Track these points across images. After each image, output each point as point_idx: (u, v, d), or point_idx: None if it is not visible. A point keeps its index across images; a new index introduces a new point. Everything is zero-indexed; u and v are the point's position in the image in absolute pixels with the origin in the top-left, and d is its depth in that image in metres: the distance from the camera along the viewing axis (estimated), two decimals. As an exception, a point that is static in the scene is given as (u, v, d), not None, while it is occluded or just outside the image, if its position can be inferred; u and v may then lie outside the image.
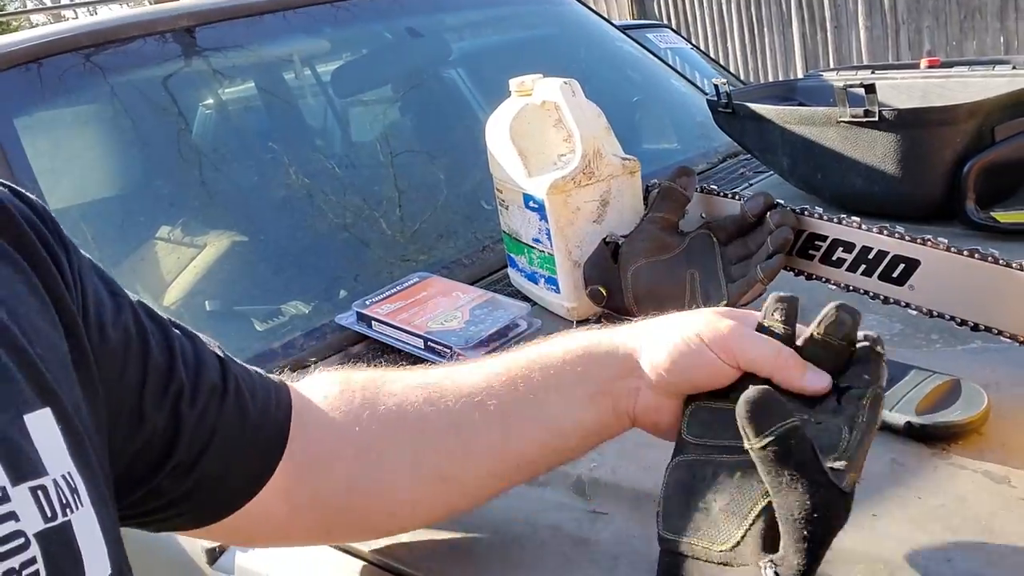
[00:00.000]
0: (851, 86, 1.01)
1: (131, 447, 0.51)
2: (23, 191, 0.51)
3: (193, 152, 1.17)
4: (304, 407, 0.58)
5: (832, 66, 4.53)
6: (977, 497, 0.56)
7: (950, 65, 1.26)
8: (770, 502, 0.44)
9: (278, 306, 1.03)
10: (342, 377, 0.61)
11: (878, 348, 0.49)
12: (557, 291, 0.90)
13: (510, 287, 1.03)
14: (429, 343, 0.86)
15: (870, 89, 0.98)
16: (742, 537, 0.45)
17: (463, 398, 0.56)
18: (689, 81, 1.81)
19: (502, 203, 0.97)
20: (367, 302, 0.95)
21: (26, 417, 0.41)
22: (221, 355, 0.57)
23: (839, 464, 0.45)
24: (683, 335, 0.52)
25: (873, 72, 1.30)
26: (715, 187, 0.87)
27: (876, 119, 0.98)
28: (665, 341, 0.52)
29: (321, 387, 0.60)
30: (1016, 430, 0.61)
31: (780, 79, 4.71)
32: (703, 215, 0.88)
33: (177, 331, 0.56)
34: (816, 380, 0.49)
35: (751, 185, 1.30)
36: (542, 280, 0.92)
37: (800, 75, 4.71)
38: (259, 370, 0.60)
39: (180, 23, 1.23)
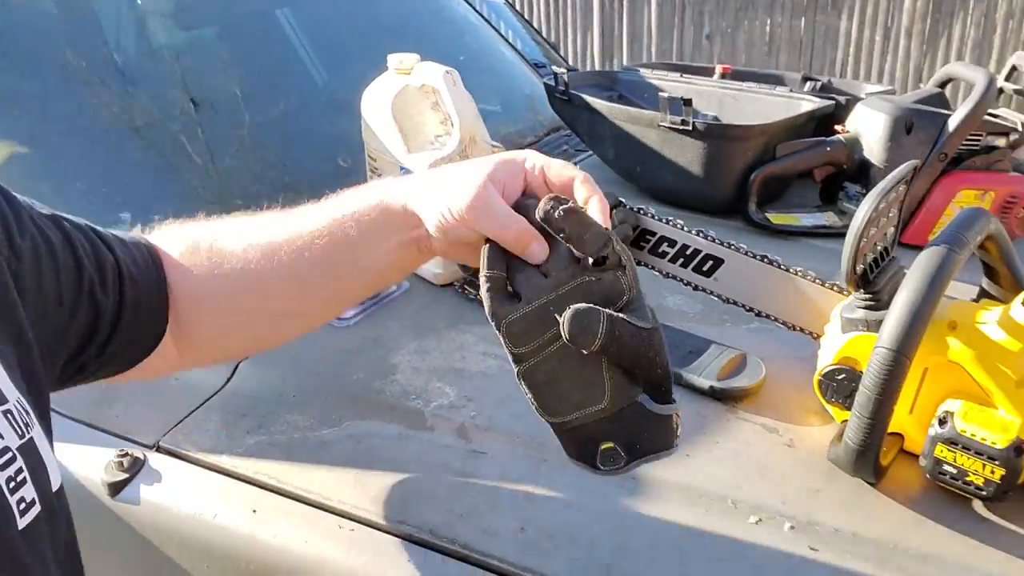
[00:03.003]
0: (673, 96, 1.20)
1: (61, 340, 0.59)
2: None
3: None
4: (168, 265, 0.67)
5: (625, 36, 4.88)
6: (757, 443, 0.77)
7: (740, 77, 1.50)
8: (608, 360, 0.55)
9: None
10: (186, 235, 0.68)
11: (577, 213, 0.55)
12: (426, 258, 1.01)
13: (372, 246, 1.12)
14: (310, 298, 0.95)
15: (688, 103, 1.18)
16: (610, 391, 0.55)
17: (295, 251, 0.64)
18: (518, 53, 1.94)
19: (374, 170, 1.05)
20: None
21: None
22: (100, 232, 0.64)
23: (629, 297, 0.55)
24: (444, 207, 0.58)
25: (682, 76, 1.51)
26: (569, 180, 1.02)
27: (690, 128, 1.19)
28: (440, 203, 0.59)
29: (172, 245, 0.68)
30: (784, 394, 0.83)
31: (579, 42, 4.99)
32: (556, 202, 1.03)
33: (66, 222, 0.62)
34: (538, 249, 0.56)
35: (576, 163, 1.48)
36: (412, 246, 1.03)
37: (597, 41, 4.98)
38: (124, 234, 0.67)
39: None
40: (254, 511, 0.72)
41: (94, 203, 1.11)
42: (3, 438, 0.47)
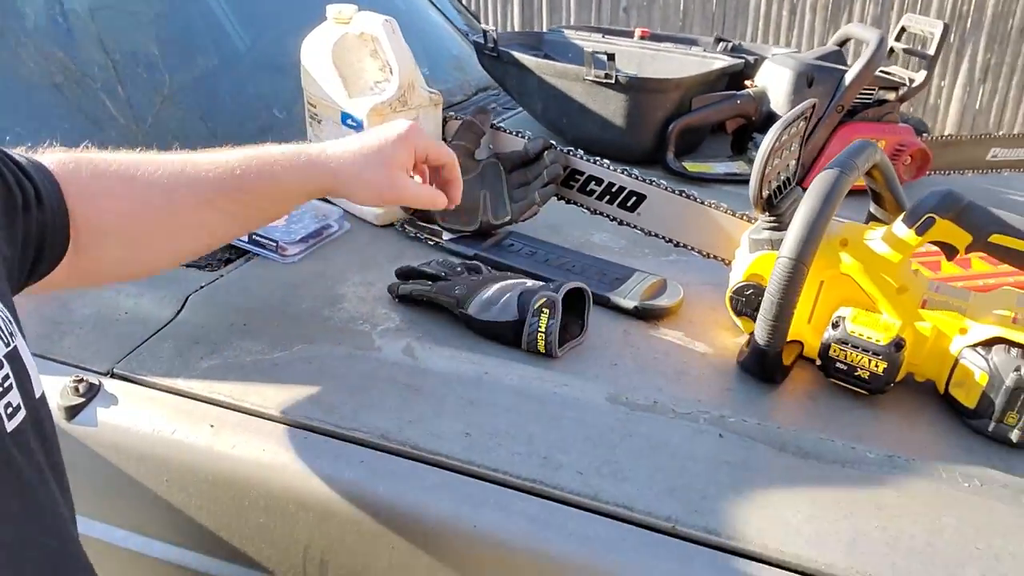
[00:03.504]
0: (597, 53, 1.27)
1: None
2: None
3: None
4: (66, 185, 0.68)
5: (545, 6, 4.94)
6: (676, 353, 0.85)
7: (657, 39, 1.59)
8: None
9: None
10: (82, 158, 0.71)
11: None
12: (366, 198, 1.06)
13: (311, 192, 1.16)
14: (254, 237, 0.98)
15: (611, 57, 1.25)
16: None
17: (209, 169, 0.74)
18: (443, 15, 1.98)
19: (314, 116, 1.09)
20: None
21: None
22: (13, 156, 0.66)
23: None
24: (371, 193, 0.79)
25: (604, 37, 1.59)
26: (503, 126, 1.09)
27: (613, 82, 1.26)
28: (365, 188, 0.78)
29: (68, 166, 0.70)
30: (700, 313, 0.92)
31: (499, 12, 5.02)
32: (491, 147, 1.09)
33: None
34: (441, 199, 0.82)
35: (505, 120, 1.54)
36: (352, 188, 1.07)
37: (518, 10, 5.02)
38: (23, 155, 0.68)
39: None
40: (212, 426, 0.76)
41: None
42: None
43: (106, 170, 0.70)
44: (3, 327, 0.51)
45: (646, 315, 0.90)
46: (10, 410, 0.49)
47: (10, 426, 0.49)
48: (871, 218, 0.88)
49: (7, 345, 0.51)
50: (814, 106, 0.86)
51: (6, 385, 0.50)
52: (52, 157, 0.69)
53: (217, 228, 0.77)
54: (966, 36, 3.82)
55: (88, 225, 0.68)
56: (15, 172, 0.63)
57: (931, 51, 1.28)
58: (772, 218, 0.83)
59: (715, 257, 0.96)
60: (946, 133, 1.55)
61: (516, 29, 5.01)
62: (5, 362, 0.50)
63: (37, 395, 0.54)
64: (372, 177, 0.77)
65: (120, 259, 0.74)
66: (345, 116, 1.03)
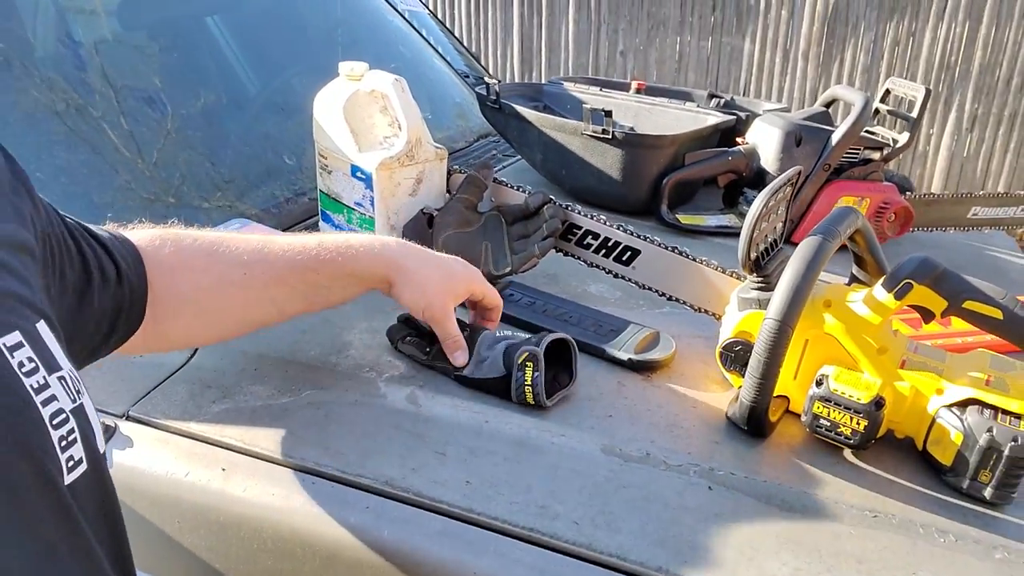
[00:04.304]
0: (595, 109, 1.32)
1: (73, 329, 0.66)
2: None
3: None
4: (152, 268, 0.76)
5: (544, 48, 5.05)
6: (668, 405, 0.89)
7: (653, 92, 1.65)
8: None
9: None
10: (170, 238, 0.80)
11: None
12: (373, 248, 1.10)
13: (318, 238, 1.20)
14: (265, 283, 1.02)
15: (608, 114, 1.31)
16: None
17: (269, 281, 0.82)
18: (448, 63, 2.04)
19: (324, 167, 1.14)
20: (197, 242, 1.07)
21: (36, 325, 0.54)
22: (95, 231, 0.73)
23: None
24: (421, 305, 0.87)
25: (601, 90, 1.65)
26: (504, 180, 1.13)
27: (610, 137, 1.31)
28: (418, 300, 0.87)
29: (151, 242, 0.78)
30: (691, 366, 0.96)
31: (499, 53, 5.12)
32: (492, 200, 1.13)
33: (70, 221, 0.70)
34: (461, 357, 0.88)
35: (504, 168, 1.59)
36: (359, 237, 1.11)
37: (517, 52, 5.12)
38: (107, 230, 0.76)
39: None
40: (223, 469, 0.80)
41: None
42: (59, 400, 0.51)
43: (190, 245, 0.78)
44: (70, 384, 0.54)
45: (640, 367, 0.94)
46: (71, 463, 0.51)
47: (69, 479, 0.51)
48: (853, 279, 0.93)
49: (73, 401, 0.53)
50: (800, 172, 0.91)
51: (71, 439, 0.52)
52: (140, 234, 0.78)
53: (286, 304, 0.84)
54: (954, 86, 3.93)
55: (167, 296, 0.76)
56: (95, 249, 0.69)
57: (914, 114, 1.34)
58: (760, 279, 0.88)
59: (705, 311, 1.00)
60: (930, 191, 1.62)
61: (515, 68, 5.11)
62: (72, 416, 0.52)
63: (100, 450, 0.56)
64: (429, 294, 0.86)
65: (193, 328, 0.81)
66: (355, 168, 1.07)
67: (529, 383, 0.84)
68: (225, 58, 1.62)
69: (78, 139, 1.21)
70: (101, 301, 0.68)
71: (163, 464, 0.81)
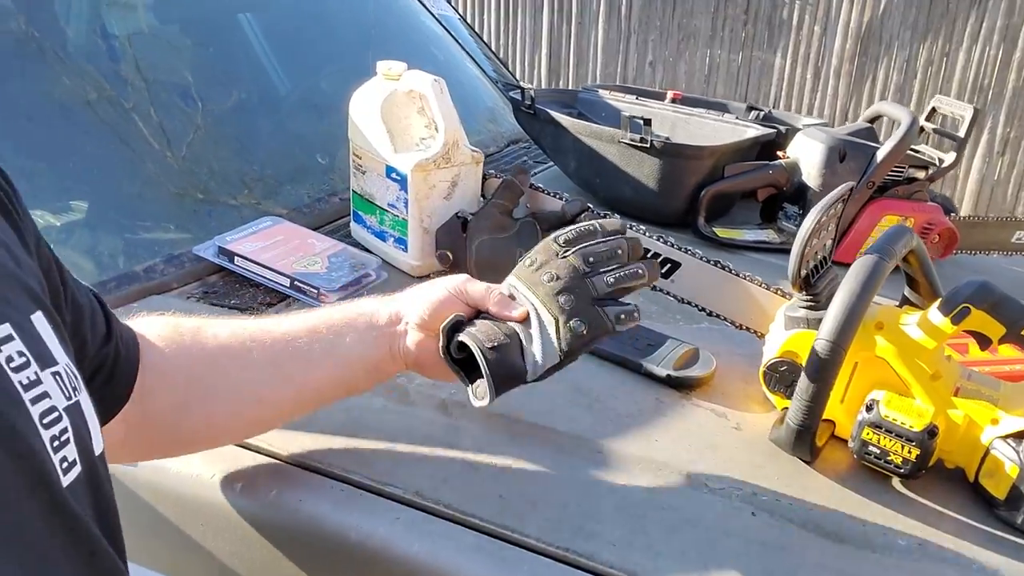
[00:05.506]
0: (634, 117, 1.30)
1: None
2: None
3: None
4: (144, 344, 0.69)
5: (572, 57, 5.03)
6: (709, 425, 0.86)
7: (689, 102, 1.62)
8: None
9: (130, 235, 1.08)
10: (171, 321, 0.73)
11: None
12: (405, 250, 1.08)
13: (348, 238, 1.19)
14: (296, 283, 1.00)
15: (647, 122, 1.28)
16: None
17: (277, 339, 0.73)
18: (479, 67, 2.02)
19: (359, 167, 1.12)
20: (228, 238, 1.05)
21: (32, 316, 0.50)
22: (99, 299, 0.66)
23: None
24: (435, 288, 0.74)
25: (637, 99, 1.62)
26: (541, 186, 1.11)
27: (648, 146, 1.29)
28: (423, 295, 0.74)
29: (154, 328, 0.72)
30: (732, 384, 0.93)
31: (527, 61, 5.11)
32: (528, 206, 1.11)
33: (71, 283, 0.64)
34: (516, 310, 0.71)
35: (537, 174, 1.57)
36: (391, 239, 1.09)
37: (545, 59, 5.11)
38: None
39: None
40: (250, 473, 0.78)
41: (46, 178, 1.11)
42: (51, 397, 0.48)
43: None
44: (65, 380, 0.50)
45: (678, 384, 0.91)
46: (65, 464, 0.48)
47: (65, 480, 0.48)
48: (905, 301, 0.90)
49: (68, 399, 0.50)
50: (851, 189, 0.88)
51: (63, 439, 0.48)
52: (144, 320, 0.72)
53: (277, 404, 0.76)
54: (987, 109, 3.87)
55: (152, 384, 0.68)
56: (95, 310, 0.64)
57: (961, 133, 1.30)
58: (809, 297, 0.85)
59: (747, 328, 0.97)
60: (971, 214, 1.57)
61: (543, 76, 5.10)
62: (65, 415, 0.49)
63: (97, 452, 0.53)
64: (440, 285, 0.75)
65: (175, 425, 0.71)
66: (390, 170, 1.05)
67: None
68: (259, 56, 1.61)
69: (111, 131, 1.20)
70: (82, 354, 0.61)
71: (190, 465, 0.79)
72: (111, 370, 0.65)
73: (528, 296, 0.72)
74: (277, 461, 0.78)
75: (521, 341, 0.71)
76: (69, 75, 1.19)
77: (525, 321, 0.71)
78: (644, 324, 1.02)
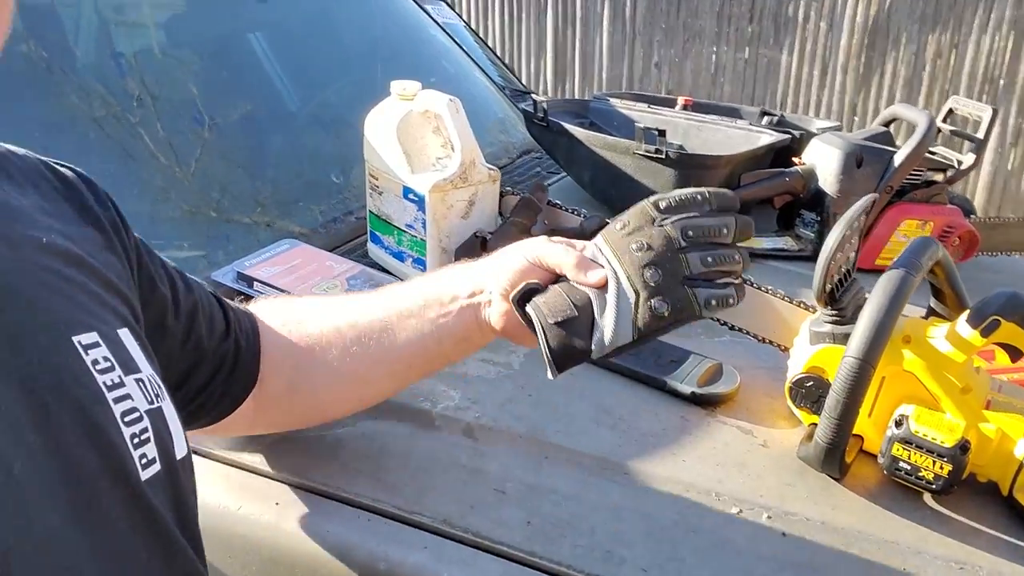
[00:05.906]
0: (648, 128, 1.29)
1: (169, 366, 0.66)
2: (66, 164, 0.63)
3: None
4: (263, 330, 0.78)
5: (577, 60, 5.02)
6: (735, 443, 0.85)
7: (700, 108, 1.61)
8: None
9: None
10: (285, 306, 0.81)
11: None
12: (424, 270, 1.08)
13: (366, 258, 1.19)
14: (315, 307, 1.00)
15: (662, 133, 1.27)
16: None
17: (372, 319, 0.77)
18: (489, 77, 2.02)
19: (375, 188, 1.12)
20: (247, 263, 1.05)
21: (119, 331, 0.55)
22: (217, 298, 0.75)
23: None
24: (515, 256, 0.73)
25: (649, 107, 1.61)
26: (559, 202, 1.10)
27: (663, 156, 1.28)
28: (503, 264, 0.74)
29: (271, 312, 0.80)
30: (757, 400, 0.92)
31: (533, 65, 5.10)
32: (546, 223, 1.11)
33: (186, 281, 0.72)
34: (593, 275, 0.67)
35: (550, 185, 1.56)
36: (409, 259, 1.09)
37: (550, 63, 5.10)
38: (231, 302, 0.78)
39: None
40: (277, 503, 0.77)
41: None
42: (133, 399, 0.52)
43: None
44: (148, 387, 0.54)
45: (703, 401, 0.90)
46: (144, 460, 0.52)
47: (144, 475, 0.51)
48: (931, 313, 0.89)
49: (151, 403, 0.54)
50: (875, 201, 0.87)
51: (143, 437, 0.52)
52: (264, 305, 0.81)
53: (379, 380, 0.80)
54: (998, 100, 3.84)
55: (271, 374, 0.76)
56: (212, 305, 0.74)
57: (980, 135, 1.29)
58: (834, 311, 0.84)
59: (770, 341, 0.96)
60: (991, 215, 1.55)
61: (548, 79, 5.09)
62: (146, 416, 0.53)
63: (179, 456, 0.56)
64: (518, 252, 0.74)
65: (292, 409, 0.80)
66: (407, 191, 1.05)
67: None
68: (270, 74, 1.60)
69: (121, 149, 1.20)
70: (199, 352, 0.71)
71: (215, 495, 0.79)
72: (233, 363, 0.73)
73: (612, 262, 0.65)
74: (304, 492, 0.78)
75: (594, 312, 0.65)
76: (79, 94, 1.19)
77: (603, 287, 0.65)
78: (665, 338, 1.01)
